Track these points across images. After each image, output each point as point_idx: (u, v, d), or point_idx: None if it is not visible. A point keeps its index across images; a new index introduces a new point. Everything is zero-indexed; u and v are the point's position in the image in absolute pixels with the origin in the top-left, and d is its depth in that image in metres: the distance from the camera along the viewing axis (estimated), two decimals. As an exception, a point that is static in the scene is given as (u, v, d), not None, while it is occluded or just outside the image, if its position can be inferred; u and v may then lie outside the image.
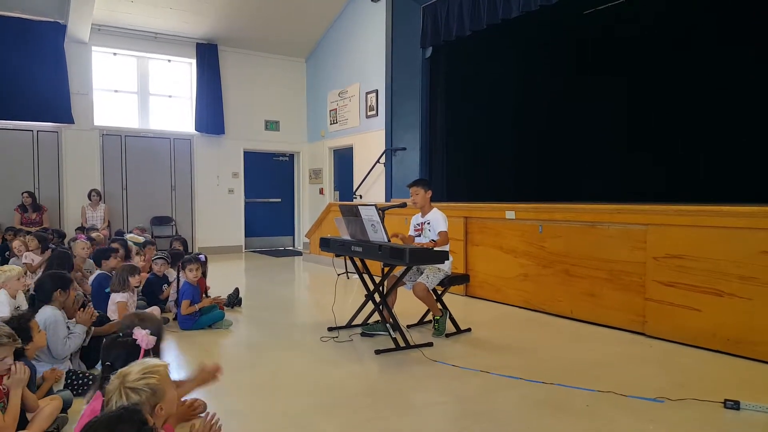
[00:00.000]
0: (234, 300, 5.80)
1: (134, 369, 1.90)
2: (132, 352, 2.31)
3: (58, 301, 3.46)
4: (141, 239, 7.01)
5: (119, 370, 1.90)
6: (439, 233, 4.55)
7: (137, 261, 6.01)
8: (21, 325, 2.62)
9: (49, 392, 2.86)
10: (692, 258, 4.22)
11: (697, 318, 4.19)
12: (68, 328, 3.44)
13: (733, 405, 2.96)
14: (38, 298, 3.46)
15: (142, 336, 2.32)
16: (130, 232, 8.22)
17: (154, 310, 4.87)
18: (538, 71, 8.32)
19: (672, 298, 4.36)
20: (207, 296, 5.24)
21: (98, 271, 5.08)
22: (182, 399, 2.57)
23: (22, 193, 9.00)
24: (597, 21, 7.44)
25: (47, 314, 3.33)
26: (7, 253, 6.98)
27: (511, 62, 8.25)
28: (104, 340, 2.46)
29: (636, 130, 7.92)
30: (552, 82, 8.38)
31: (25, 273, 4.86)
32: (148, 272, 5.80)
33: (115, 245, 5.88)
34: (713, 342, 4.10)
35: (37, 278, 4.24)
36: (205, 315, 4.93)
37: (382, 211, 4.22)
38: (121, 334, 2.42)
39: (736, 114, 6.74)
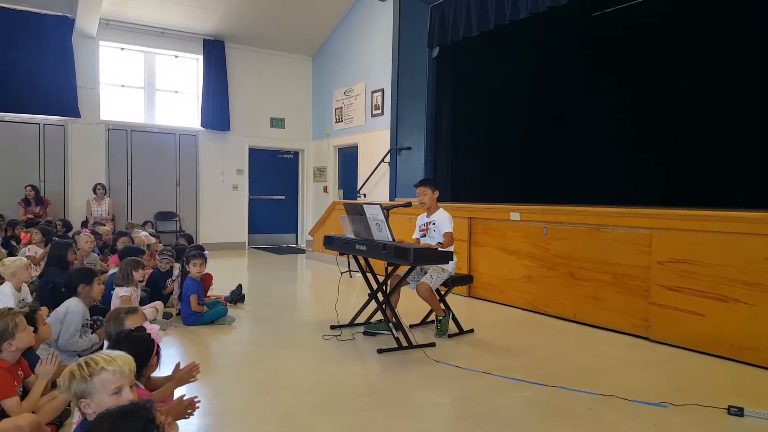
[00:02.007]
0: (237, 296, 5.81)
1: (88, 357, 1.86)
2: (146, 346, 2.32)
3: (83, 294, 3.52)
4: (153, 240, 6.99)
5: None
6: (445, 234, 4.55)
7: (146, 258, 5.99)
8: (26, 317, 2.63)
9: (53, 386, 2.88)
10: (697, 263, 4.21)
11: (701, 323, 4.18)
12: (88, 322, 3.51)
13: (737, 411, 2.94)
14: (68, 293, 3.52)
15: (156, 331, 2.35)
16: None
17: (157, 305, 4.89)
18: (545, 72, 8.30)
19: (676, 302, 4.34)
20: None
21: (113, 270, 5.07)
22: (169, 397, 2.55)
23: (25, 187, 9.02)
24: (606, 23, 7.42)
25: (70, 304, 3.45)
26: (14, 243, 7.03)
27: (518, 63, 8.23)
28: (119, 334, 2.48)
29: (642, 132, 7.91)
30: (559, 83, 8.37)
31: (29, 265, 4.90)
32: (152, 268, 5.82)
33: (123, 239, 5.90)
34: (717, 347, 4.08)
35: (41, 271, 4.26)
36: (208, 311, 4.95)
37: (386, 210, 4.22)
38: (134, 329, 2.45)
39: (743, 119, 6.72)
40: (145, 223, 9.76)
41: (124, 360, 1.91)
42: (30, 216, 8.77)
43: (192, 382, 2.67)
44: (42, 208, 9.11)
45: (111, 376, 1.82)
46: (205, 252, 5.33)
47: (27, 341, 2.52)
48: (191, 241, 7.62)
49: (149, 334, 2.40)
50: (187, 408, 2.24)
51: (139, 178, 10.53)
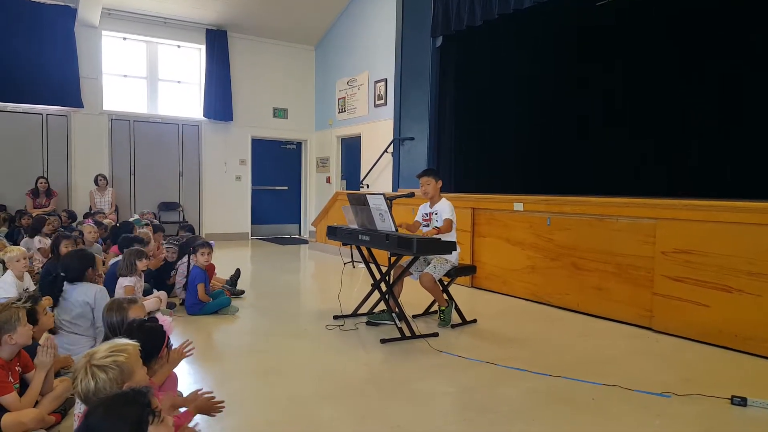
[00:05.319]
0: (236, 279, 5.84)
1: (102, 347, 1.85)
2: (158, 337, 2.31)
3: (91, 278, 3.53)
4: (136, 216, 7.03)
5: (88, 351, 1.87)
6: (444, 220, 4.54)
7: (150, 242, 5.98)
8: (28, 313, 2.63)
9: (57, 374, 2.89)
10: (701, 253, 4.19)
11: (705, 313, 4.17)
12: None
13: (740, 401, 2.94)
14: (68, 277, 3.51)
15: (168, 323, 2.33)
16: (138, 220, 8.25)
17: (161, 295, 4.90)
18: (549, 62, 8.24)
19: (680, 293, 4.33)
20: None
21: (114, 260, 5.09)
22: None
23: (38, 179, 9.04)
24: (609, 12, 7.36)
25: (94, 290, 3.48)
26: (21, 236, 7.06)
27: (522, 53, 8.17)
28: (131, 323, 2.45)
29: (647, 122, 7.87)
30: (563, 73, 8.32)
31: (31, 257, 4.93)
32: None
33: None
34: (721, 338, 4.07)
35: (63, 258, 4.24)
36: (212, 301, 4.97)
37: (390, 200, 4.21)
38: (146, 319, 2.43)
39: (748, 108, 6.68)
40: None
41: (128, 341, 1.94)
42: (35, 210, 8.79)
43: (187, 356, 2.62)
44: (48, 200, 9.13)
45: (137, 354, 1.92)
46: (211, 242, 5.35)
47: (26, 338, 2.50)
48: (193, 232, 7.63)
49: (161, 325, 2.36)
50: (214, 406, 2.29)
51: (142, 168, 10.53)
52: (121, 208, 10.00)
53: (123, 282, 4.46)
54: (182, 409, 2.26)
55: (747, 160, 6.64)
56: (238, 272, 5.96)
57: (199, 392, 2.34)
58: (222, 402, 2.32)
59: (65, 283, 3.49)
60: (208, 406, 2.28)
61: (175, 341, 2.61)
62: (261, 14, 10.70)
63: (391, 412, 2.86)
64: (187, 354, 2.55)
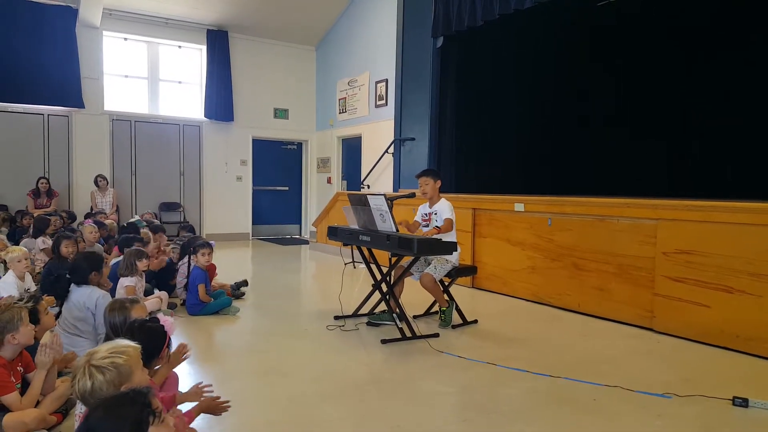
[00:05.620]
0: (241, 285, 5.85)
1: (103, 348, 1.85)
2: (160, 337, 2.32)
3: (95, 282, 3.53)
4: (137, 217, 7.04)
5: (89, 350, 1.88)
6: (444, 220, 4.55)
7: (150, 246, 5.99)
8: (30, 313, 2.63)
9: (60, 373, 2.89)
10: (702, 254, 4.19)
11: (706, 314, 4.16)
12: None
13: (742, 402, 2.93)
14: (74, 279, 3.52)
15: (169, 323, 2.34)
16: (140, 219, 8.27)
17: (162, 295, 4.90)
18: (550, 63, 8.24)
19: (681, 293, 4.33)
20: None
21: (116, 260, 5.09)
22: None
23: (39, 179, 9.05)
24: (610, 12, 7.37)
25: (98, 295, 3.48)
26: (24, 235, 7.08)
27: (523, 53, 8.17)
28: (132, 323, 2.46)
29: (648, 122, 7.87)
30: (564, 73, 8.31)
31: (32, 257, 4.93)
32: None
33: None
34: (722, 338, 4.07)
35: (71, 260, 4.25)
36: (213, 301, 4.97)
37: (390, 200, 4.21)
38: (148, 319, 2.44)
39: (748, 109, 6.67)
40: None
41: (129, 342, 1.93)
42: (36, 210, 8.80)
43: (184, 359, 2.63)
44: (49, 200, 9.13)
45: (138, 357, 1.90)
46: (212, 242, 5.35)
47: (28, 337, 2.52)
48: (193, 232, 7.65)
49: (162, 326, 2.37)
50: (220, 405, 2.31)
51: (143, 168, 10.53)
52: (122, 209, 9.99)
53: (124, 282, 4.46)
54: (184, 409, 2.27)
55: (747, 160, 6.64)
56: (245, 282, 5.97)
57: (200, 385, 2.35)
58: (228, 402, 2.33)
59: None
60: (213, 405, 2.29)
61: (176, 342, 2.62)
62: (262, 15, 10.70)
63: (391, 412, 2.86)
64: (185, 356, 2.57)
